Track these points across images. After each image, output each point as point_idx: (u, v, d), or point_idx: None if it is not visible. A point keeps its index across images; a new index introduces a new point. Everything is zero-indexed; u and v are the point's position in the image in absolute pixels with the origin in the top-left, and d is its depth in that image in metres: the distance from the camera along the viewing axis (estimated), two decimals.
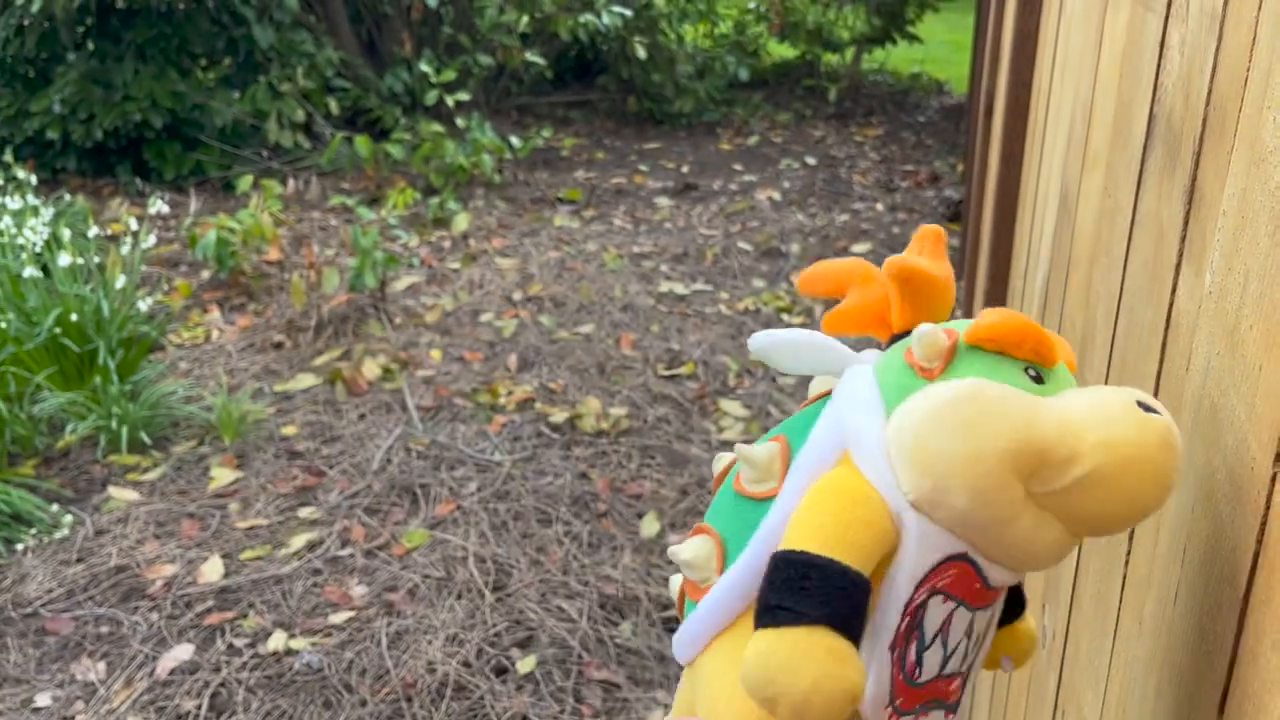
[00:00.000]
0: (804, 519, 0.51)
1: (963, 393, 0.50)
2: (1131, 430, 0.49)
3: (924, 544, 0.51)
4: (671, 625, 2.33)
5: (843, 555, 0.49)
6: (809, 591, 0.48)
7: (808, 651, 0.47)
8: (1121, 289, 0.81)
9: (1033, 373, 0.52)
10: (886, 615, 0.51)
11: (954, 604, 0.53)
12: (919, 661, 0.53)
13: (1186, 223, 0.63)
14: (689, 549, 0.56)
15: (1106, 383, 0.86)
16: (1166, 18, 0.74)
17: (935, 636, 0.53)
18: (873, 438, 0.52)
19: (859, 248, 4.46)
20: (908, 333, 0.55)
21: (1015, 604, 0.62)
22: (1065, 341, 0.56)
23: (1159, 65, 0.75)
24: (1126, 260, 0.80)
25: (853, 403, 0.54)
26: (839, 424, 0.54)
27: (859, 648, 0.49)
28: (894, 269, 0.56)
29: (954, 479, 0.49)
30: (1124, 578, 0.71)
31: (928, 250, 0.59)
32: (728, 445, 3.01)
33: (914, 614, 0.52)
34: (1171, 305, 0.64)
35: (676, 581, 0.59)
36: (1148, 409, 0.50)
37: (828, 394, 0.57)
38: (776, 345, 0.56)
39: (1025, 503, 0.50)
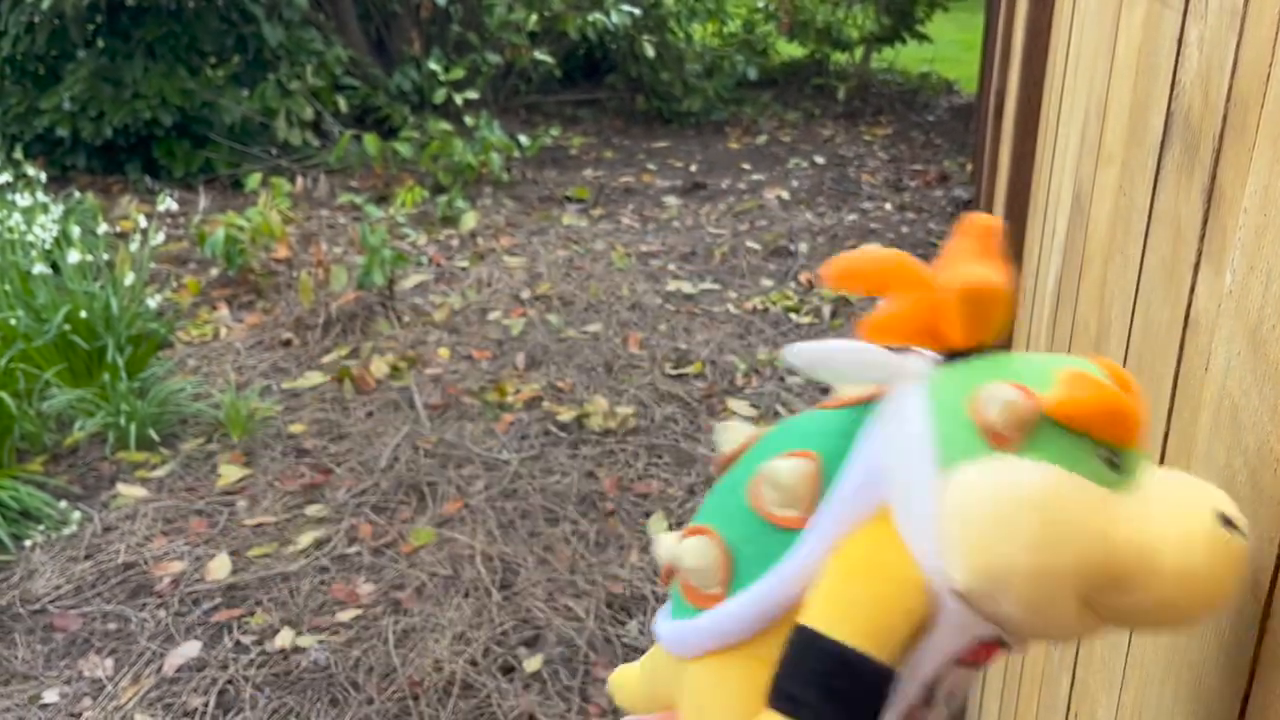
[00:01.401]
0: (838, 594, 0.47)
1: (1038, 498, 0.44)
2: (1210, 559, 0.44)
3: (960, 630, 0.47)
4: None
5: (876, 648, 0.45)
6: (836, 694, 0.45)
7: None
8: (1137, 288, 0.80)
9: (1111, 459, 0.46)
10: (906, 688, 0.48)
11: (968, 668, 0.50)
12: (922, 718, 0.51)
13: (1206, 221, 0.62)
14: (693, 554, 0.52)
15: None
16: (1185, 14, 0.73)
17: (940, 693, 0.51)
18: (921, 500, 0.46)
19: (867, 247, 4.45)
20: (965, 351, 0.49)
21: None
22: (1134, 383, 0.50)
23: (1177, 62, 0.74)
24: (1143, 259, 0.79)
25: (903, 447, 0.48)
26: (882, 466, 0.48)
27: None
28: (963, 289, 0.48)
29: (1012, 590, 0.44)
30: None
31: (982, 249, 0.52)
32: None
33: (933, 687, 0.50)
34: (1190, 305, 0.64)
35: (665, 546, 0.55)
36: (1228, 522, 0.44)
37: (858, 403, 0.52)
38: (819, 353, 0.50)
39: (1080, 610, 0.45)
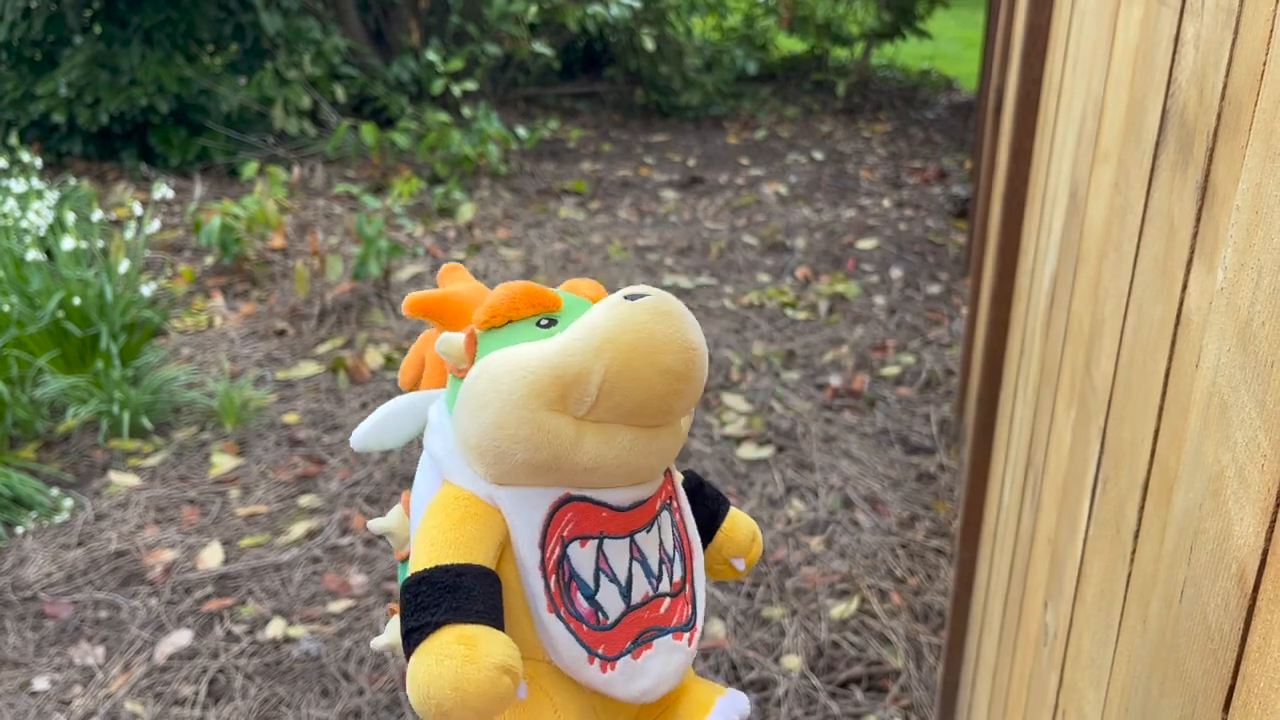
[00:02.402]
0: (415, 544, 0.55)
1: (472, 373, 0.55)
2: (619, 321, 0.53)
3: (522, 507, 0.55)
4: None
5: (446, 558, 0.53)
6: (423, 604, 0.51)
7: (440, 652, 0.49)
8: (1131, 286, 0.80)
9: (543, 322, 0.57)
10: (531, 584, 0.54)
11: (595, 540, 0.56)
12: (596, 607, 0.56)
13: (1199, 219, 0.62)
14: (381, 524, 0.62)
15: (1115, 379, 0.85)
16: (1181, 12, 0.73)
17: (596, 577, 0.56)
18: (448, 451, 0.57)
19: (865, 243, 4.45)
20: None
21: (715, 506, 0.65)
22: (589, 281, 0.63)
23: (1173, 60, 0.74)
24: (1136, 257, 0.80)
25: (431, 433, 0.59)
26: (430, 456, 0.58)
27: (501, 627, 0.52)
28: (409, 306, 0.61)
29: (501, 442, 0.53)
30: (1129, 575, 0.70)
31: (450, 281, 0.65)
32: (730, 439, 3.01)
33: (557, 569, 0.55)
34: (1182, 302, 0.64)
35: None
36: (634, 299, 0.54)
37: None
38: (372, 427, 0.62)
39: (579, 427, 0.54)
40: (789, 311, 3.86)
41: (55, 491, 2.72)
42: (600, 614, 0.56)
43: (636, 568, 0.57)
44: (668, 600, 0.58)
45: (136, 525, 2.62)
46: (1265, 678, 0.42)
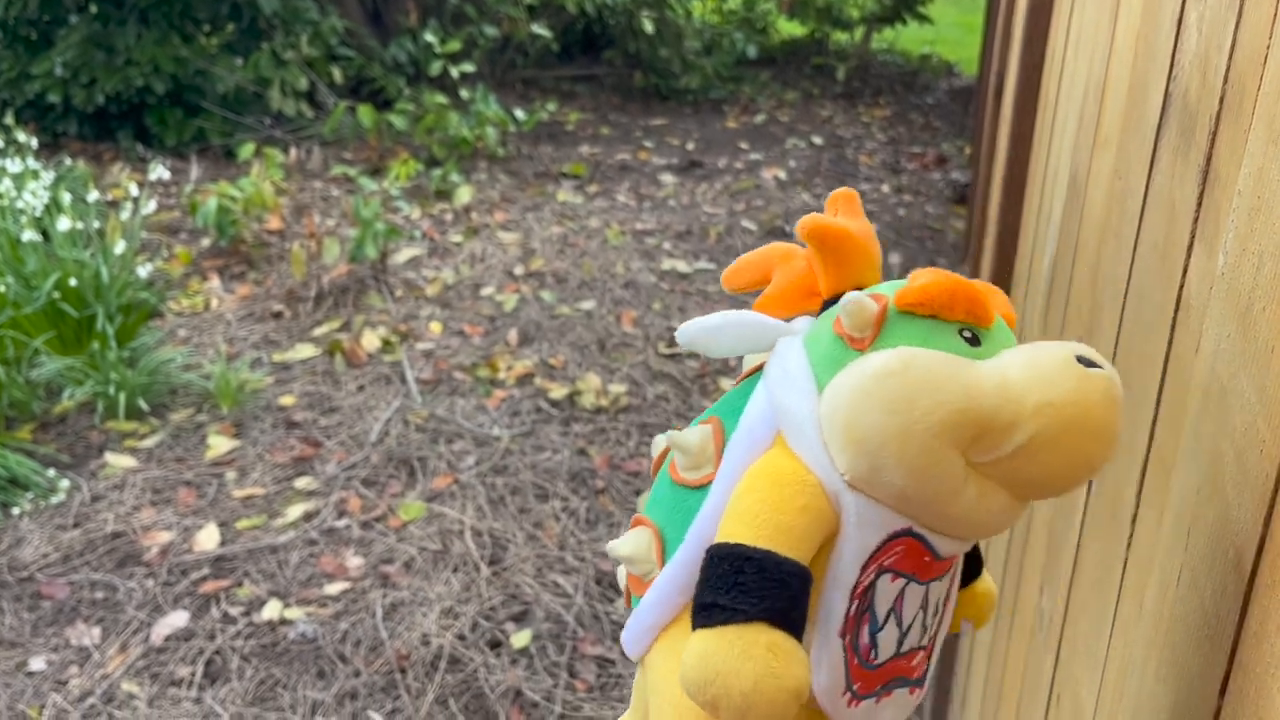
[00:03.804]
0: (738, 508, 0.49)
1: (892, 365, 0.48)
2: (1071, 389, 0.47)
3: (865, 524, 0.49)
4: None
5: (779, 545, 0.47)
6: (744, 587, 0.46)
7: (747, 650, 0.45)
8: (1131, 270, 0.80)
9: (968, 334, 0.50)
10: (833, 601, 0.50)
11: (904, 580, 0.51)
12: (873, 644, 0.52)
13: (1200, 203, 0.62)
14: (627, 544, 0.55)
15: (1113, 363, 0.85)
16: None
17: (888, 616, 0.52)
18: (805, 416, 0.50)
19: None
20: (838, 298, 0.53)
21: (972, 565, 0.60)
22: (1000, 292, 0.55)
23: (1176, 43, 0.74)
24: (1137, 242, 0.79)
25: (783, 379, 0.52)
26: (771, 402, 0.52)
27: (801, 639, 0.47)
28: (806, 228, 0.54)
29: (888, 457, 0.47)
30: (1125, 561, 0.70)
31: (842, 210, 0.57)
32: None
33: (862, 596, 0.50)
34: (1182, 286, 0.63)
35: (623, 575, 0.57)
36: (1088, 363, 0.48)
37: (758, 371, 0.55)
38: (705, 331, 0.54)
39: (967, 474, 0.48)
40: None
41: (52, 472, 2.72)
42: (874, 652, 0.52)
43: (920, 616, 0.53)
44: (920, 653, 0.55)
45: (133, 506, 2.62)
46: (1261, 663, 0.42)
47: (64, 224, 3.24)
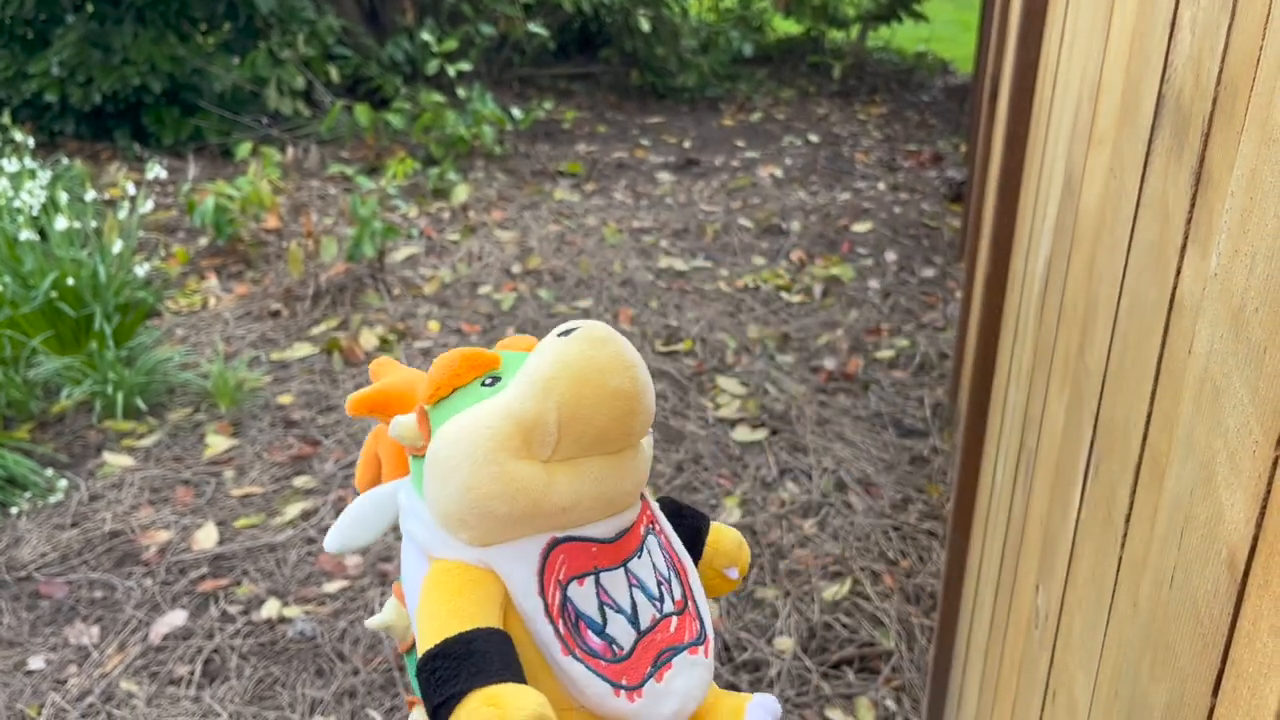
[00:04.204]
0: (419, 623, 0.55)
1: (434, 446, 0.56)
2: (557, 356, 0.54)
3: (509, 562, 0.55)
4: None
5: (458, 626, 0.53)
6: (443, 678, 0.51)
7: (470, 716, 0.50)
8: (1125, 271, 0.81)
9: (487, 380, 0.58)
10: (540, 634, 0.55)
11: (591, 577, 0.56)
12: (608, 639, 0.56)
13: (1193, 204, 0.62)
14: (379, 619, 0.61)
15: (1108, 364, 0.85)
16: None
17: (601, 611, 0.56)
18: (428, 528, 0.57)
19: (860, 226, 4.45)
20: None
21: (692, 523, 0.66)
22: (524, 337, 0.64)
23: (1169, 45, 0.74)
24: (1130, 242, 0.80)
25: (406, 515, 0.59)
26: (409, 539, 0.59)
27: (524, 677, 0.52)
28: (352, 405, 0.62)
29: (478, 503, 0.54)
30: (1120, 559, 0.70)
31: (380, 374, 0.66)
32: (724, 422, 3.01)
33: (561, 613, 0.55)
34: (1175, 287, 0.64)
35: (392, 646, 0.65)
36: (566, 334, 0.55)
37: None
38: (344, 529, 0.62)
39: (548, 469, 0.54)
40: (784, 294, 3.85)
41: (50, 472, 2.72)
42: (614, 646, 0.56)
43: (638, 594, 0.57)
44: (675, 619, 0.59)
45: (131, 506, 2.62)
46: (1255, 662, 0.43)
47: (61, 223, 3.23)
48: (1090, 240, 1.00)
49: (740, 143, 5.74)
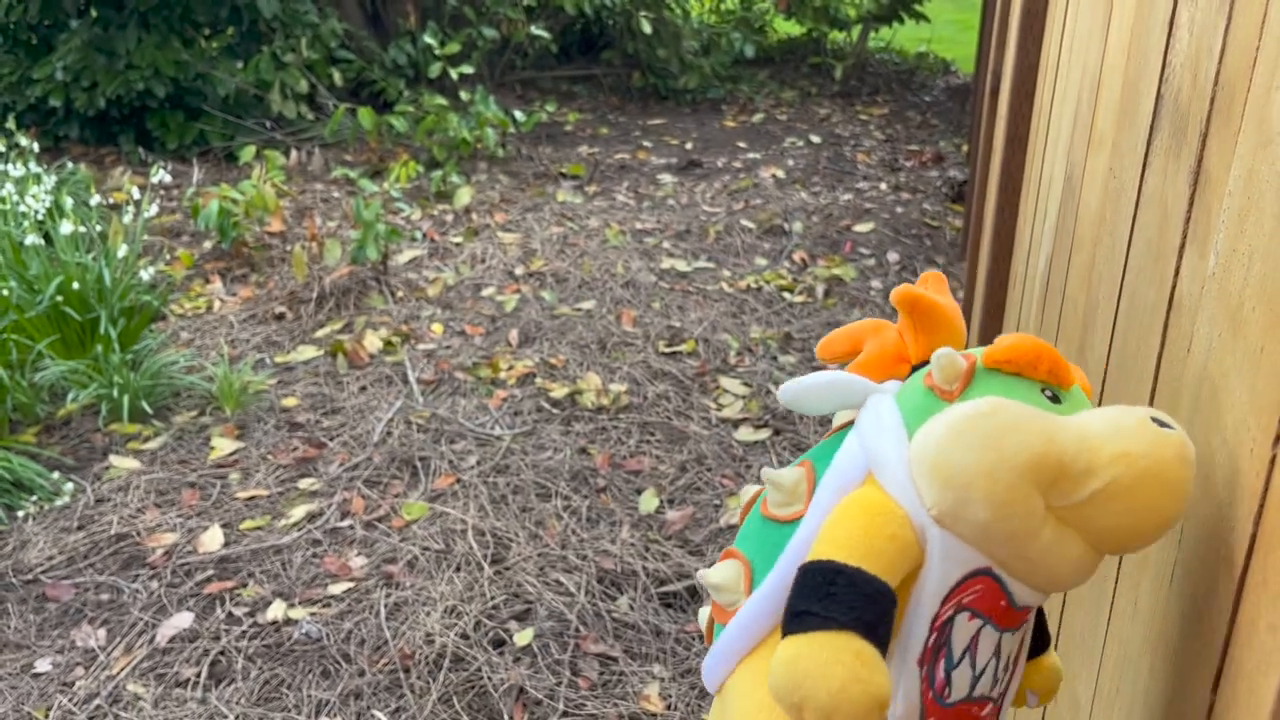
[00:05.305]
0: (830, 533, 0.53)
1: (982, 409, 0.52)
2: (1146, 444, 0.51)
3: (948, 558, 0.53)
4: (668, 599, 2.34)
5: (869, 565, 0.51)
6: (836, 597, 0.49)
7: (835, 655, 0.48)
8: (1124, 270, 0.81)
9: (1049, 393, 0.55)
10: (914, 629, 0.53)
11: (981, 622, 0.54)
12: (948, 680, 0.55)
13: (1191, 204, 0.63)
14: (717, 572, 0.59)
15: (1108, 362, 0.86)
16: None
17: (963, 654, 0.54)
18: (896, 458, 0.54)
19: (862, 227, 4.45)
20: (926, 363, 0.58)
21: (1040, 638, 0.64)
22: (1080, 368, 0.60)
23: (1167, 45, 0.75)
24: (1130, 241, 0.80)
25: (876, 427, 0.56)
26: (863, 447, 0.56)
27: (885, 657, 0.50)
28: (900, 296, 0.60)
29: (975, 492, 0.51)
30: (1120, 558, 0.71)
31: (931, 287, 0.64)
32: (727, 423, 3.01)
33: (941, 629, 0.54)
34: (1174, 286, 0.64)
35: (705, 614, 0.61)
36: (1162, 424, 0.51)
37: (850, 424, 0.60)
38: (805, 390, 0.60)
39: (1046, 517, 0.52)
40: (786, 295, 3.86)
41: (56, 475, 2.73)
42: (948, 689, 0.55)
43: (993, 664, 0.56)
44: (990, 706, 0.57)
45: (137, 509, 2.63)
46: (1253, 659, 0.43)
47: (66, 228, 3.25)
48: (1091, 239, 1.00)
49: (742, 144, 5.74)
